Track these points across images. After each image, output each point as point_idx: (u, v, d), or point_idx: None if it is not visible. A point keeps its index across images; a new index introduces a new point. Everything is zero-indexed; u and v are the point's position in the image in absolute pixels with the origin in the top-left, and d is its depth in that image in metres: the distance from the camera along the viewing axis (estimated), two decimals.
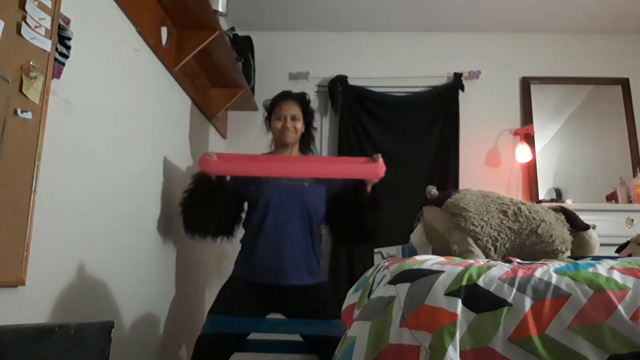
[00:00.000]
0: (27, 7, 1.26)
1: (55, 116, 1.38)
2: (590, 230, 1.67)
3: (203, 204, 2.04)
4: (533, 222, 1.53)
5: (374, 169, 2.05)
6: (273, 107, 2.26)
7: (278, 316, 2.10)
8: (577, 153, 3.34)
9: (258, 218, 2.09)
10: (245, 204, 2.21)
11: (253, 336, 2.05)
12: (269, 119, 2.29)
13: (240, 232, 2.21)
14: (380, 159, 2.07)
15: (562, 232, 1.58)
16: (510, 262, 1.22)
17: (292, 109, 2.21)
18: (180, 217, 2.12)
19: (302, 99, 2.27)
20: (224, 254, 2.88)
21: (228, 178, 2.17)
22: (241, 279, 2.07)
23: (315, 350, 2.01)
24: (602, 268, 1.07)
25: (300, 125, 2.22)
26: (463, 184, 3.14)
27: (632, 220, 2.89)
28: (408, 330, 1.00)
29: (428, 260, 1.17)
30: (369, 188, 2.09)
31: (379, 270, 1.20)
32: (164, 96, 2.30)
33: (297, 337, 2.07)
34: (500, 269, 1.10)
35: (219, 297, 2.06)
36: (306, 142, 2.31)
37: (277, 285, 1.99)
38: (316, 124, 3.34)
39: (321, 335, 1.95)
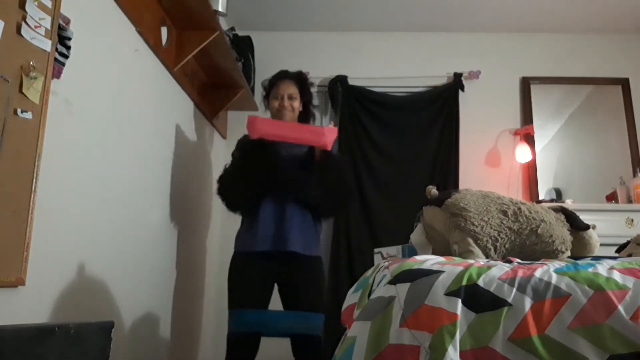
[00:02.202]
0: (27, 7, 1.26)
1: (55, 116, 1.38)
2: (590, 230, 1.67)
3: (254, 171, 2.04)
4: (533, 222, 1.53)
5: (319, 135, 2.05)
6: (271, 87, 2.28)
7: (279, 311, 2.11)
8: (577, 153, 3.33)
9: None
10: None
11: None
12: (267, 98, 2.30)
13: None
14: (330, 127, 2.09)
15: (562, 232, 1.58)
16: (510, 262, 1.22)
17: (289, 88, 2.23)
18: (226, 191, 2.10)
19: (299, 78, 2.28)
20: (224, 253, 2.88)
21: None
22: (243, 252, 2.08)
23: (297, 347, 2.03)
24: (602, 268, 1.07)
25: (297, 104, 2.24)
26: (463, 184, 3.14)
27: (632, 220, 2.89)
28: (408, 330, 1.00)
29: (428, 260, 1.17)
30: (317, 154, 2.09)
31: (379, 270, 1.20)
32: (164, 96, 2.30)
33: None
34: (500, 269, 1.10)
35: (232, 287, 2.08)
36: (305, 120, 2.32)
37: (278, 252, 2.01)
38: (316, 124, 3.37)
39: (306, 334, 2.00)
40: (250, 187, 2.05)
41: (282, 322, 2.04)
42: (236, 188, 2.09)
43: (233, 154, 2.19)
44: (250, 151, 2.08)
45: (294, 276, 2.06)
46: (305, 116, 2.31)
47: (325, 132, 2.06)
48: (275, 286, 2.13)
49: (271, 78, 2.30)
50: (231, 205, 2.13)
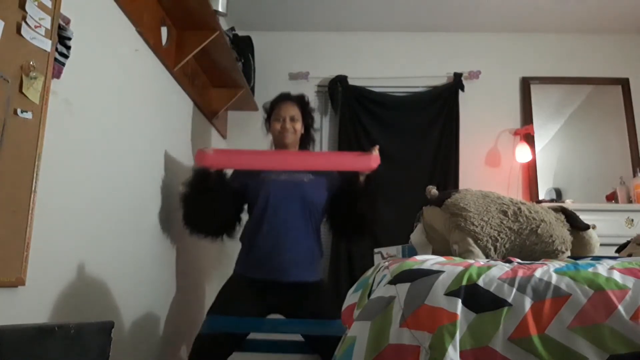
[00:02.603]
0: (27, 7, 1.26)
1: (55, 116, 1.38)
2: (590, 230, 1.67)
3: (202, 200, 2.03)
4: (533, 222, 1.53)
5: (366, 160, 2.06)
6: (272, 109, 2.27)
7: (278, 316, 2.10)
8: (577, 153, 3.34)
9: (258, 214, 2.08)
10: (245, 205, 2.21)
11: (253, 336, 2.05)
12: (268, 121, 2.30)
13: (239, 231, 2.20)
14: (375, 151, 2.08)
15: (562, 232, 1.58)
16: (510, 262, 1.22)
17: (291, 110, 2.23)
18: (180, 213, 2.11)
19: (301, 101, 2.28)
20: (224, 252, 2.88)
21: (227, 175, 2.16)
22: (242, 276, 2.06)
23: (316, 350, 2.01)
24: (602, 268, 1.07)
25: (299, 126, 2.23)
26: (463, 184, 3.14)
27: (632, 220, 2.89)
28: (408, 330, 1.00)
29: (428, 260, 1.17)
30: (362, 179, 2.09)
31: (379, 270, 1.20)
32: (164, 96, 2.30)
33: (297, 337, 2.07)
34: (500, 269, 1.10)
35: (219, 297, 2.06)
36: (305, 143, 2.31)
37: (278, 282, 1.99)
38: (316, 124, 3.37)
39: (321, 335, 1.94)
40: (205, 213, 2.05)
41: (292, 325, 2.01)
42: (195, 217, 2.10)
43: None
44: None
45: (297, 305, 2.01)
46: (306, 140, 2.31)
47: (374, 158, 2.07)
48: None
49: (272, 100, 2.30)
50: (193, 232, 2.13)
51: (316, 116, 3.34)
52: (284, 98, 2.27)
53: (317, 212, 2.14)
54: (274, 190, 2.09)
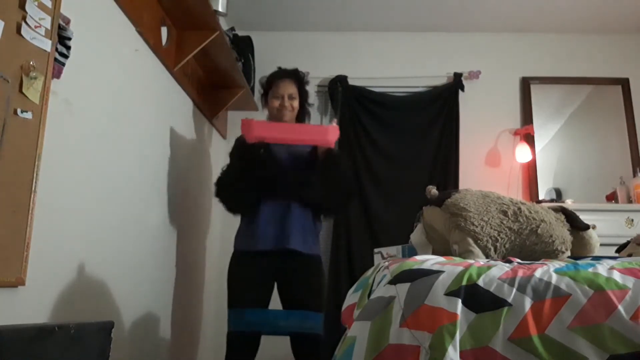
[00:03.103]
0: (27, 7, 1.26)
1: (55, 116, 1.38)
2: (590, 230, 1.67)
3: (252, 174, 2.04)
4: (533, 222, 1.53)
5: (323, 134, 2.07)
6: (270, 85, 2.27)
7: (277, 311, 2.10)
8: (577, 153, 3.33)
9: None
10: None
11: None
12: (265, 97, 2.30)
13: None
14: (334, 124, 2.10)
15: (562, 232, 1.58)
16: (510, 262, 1.22)
17: (289, 88, 2.24)
18: (221, 189, 2.10)
19: (297, 77, 2.29)
20: (223, 252, 2.88)
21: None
22: (243, 251, 2.08)
23: (297, 346, 2.03)
24: (602, 268, 1.07)
25: (296, 103, 2.25)
26: (463, 184, 3.14)
27: (632, 220, 2.89)
28: (408, 330, 1.00)
29: (428, 260, 1.17)
30: (320, 152, 2.10)
31: (379, 270, 1.20)
32: (164, 96, 2.30)
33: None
34: (500, 269, 1.10)
35: (231, 286, 2.08)
36: (301, 119, 2.32)
37: (278, 250, 2.01)
38: (316, 124, 3.37)
39: (306, 333, 2.00)
40: (249, 190, 2.05)
41: (281, 321, 2.04)
42: (235, 191, 2.09)
43: (231, 155, 2.19)
44: (248, 154, 2.07)
45: (293, 274, 2.06)
46: (301, 114, 2.31)
47: (328, 131, 2.07)
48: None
49: (269, 76, 2.30)
50: (231, 208, 2.13)
51: (316, 116, 3.37)
52: (281, 75, 2.27)
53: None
54: (277, 161, 2.10)
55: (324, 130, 2.08)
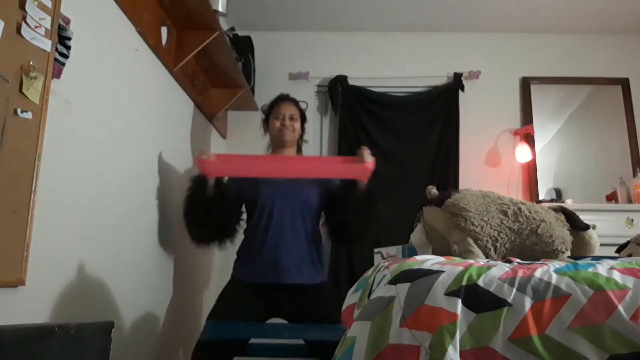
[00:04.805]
0: (27, 7, 1.26)
1: (55, 116, 1.38)
2: (590, 230, 1.67)
3: (204, 210, 2.01)
4: (533, 222, 1.53)
5: (362, 170, 2.01)
6: (271, 108, 2.29)
7: (279, 321, 2.08)
8: (577, 153, 3.34)
9: (257, 219, 2.08)
10: (243, 207, 2.20)
11: (254, 340, 2.03)
12: (266, 121, 2.31)
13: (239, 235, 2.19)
14: (368, 156, 2.01)
15: (562, 232, 1.58)
16: (510, 262, 1.22)
17: (290, 109, 2.25)
18: (184, 226, 2.08)
19: (298, 103, 2.32)
20: (222, 253, 2.88)
21: (225, 179, 2.15)
22: (241, 281, 2.05)
23: (316, 354, 1.99)
24: (602, 268, 1.07)
25: (298, 125, 2.25)
26: (463, 184, 3.14)
27: (632, 220, 2.89)
28: (408, 330, 1.00)
29: (428, 260, 1.17)
30: (361, 187, 2.06)
31: (379, 270, 1.20)
32: (164, 96, 2.30)
33: (298, 341, 2.05)
34: (500, 269, 1.10)
35: (219, 302, 2.03)
36: (300, 144, 2.34)
37: (278, 285, 1.98)
38: (316, 124, 3.38)
39: (322, 340, 1.91)
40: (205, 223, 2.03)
41: (293, 330, 1.99)
42: (194, 224, 2.06)
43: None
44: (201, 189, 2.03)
45: (298, 309, 1.99)
46: (301, 139, 2.33)
47: (369, 167, 2.01)
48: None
49: (271, 101, 2.32)
50: (195, 241, 2.09)
51: (316, 116, 3.38)
52: (282, 98, 2.29)
53: (315, 213, 2.13)
54: (271, 193, 2.08)
55: (366, 167, 2.00)
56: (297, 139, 2.29)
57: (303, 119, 2.30)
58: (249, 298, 2.00)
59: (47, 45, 1.32)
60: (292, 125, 2.22)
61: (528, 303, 1.00)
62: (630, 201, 3.09)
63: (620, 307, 0.97)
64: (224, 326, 1.92)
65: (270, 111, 2.28)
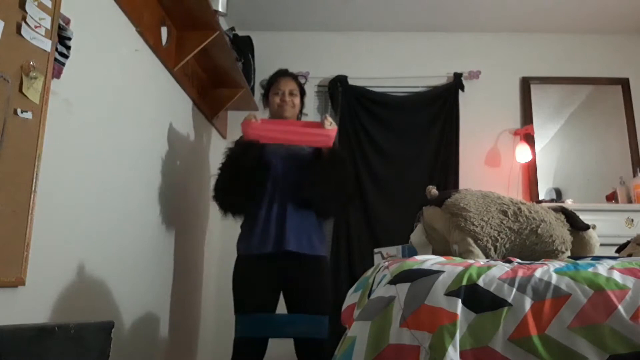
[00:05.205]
0: (27, 7, 1.26)
1: (55, 116, 1.38)
2: (590, 230, 1.67)
3: (246, 172, 2.02)
4: (533, 222, 1.53)
5: (324, 138, 2.05)
6: (270, 84, 2.29)
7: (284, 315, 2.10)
8: (577, 153, 3.33)
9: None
10: None
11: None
12: (266, 96, 2.31)
13: None
14: (327, 121, 2.06)
15: (562, 232, 1.58)
16: (510, 262, 1.22)
17: (290, 85, 2.26)
18: (219, 191, 2.07)
19: (297, 77, 2.32)
20: (223, 252, 2.88)
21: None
22: (247, 256, 2.05)
23: (301, 351, 2.02)
24: (602, 268, 1.07)
25: (297, 100, 2.26)
26: (463, 184, 3.14)
27: (632, 220, 2.89)
28: (408, 330, 1.00)
29: (428, 260, 1.17)
30: (325, 152, 2.09)
31: (379, 270, 1.20)
32: (164, 96, 2.30)
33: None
34: (500, 269, 1.10)
35: (237, 291, 2.05)
36: (301, 117, 2.36)
37: (280, 252, 1.99)
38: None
39: (310, 338, 1.98)
40: (240, 191, 2.03)
41: (287, 326, 2.01)
42: (226, 192, 2.06)
43: (226, 154, 2.15)
44: (242, 152, 2.06)
45: (296, 277, 2.03)
46: (301, 113, 2.35)
47: (329, 133, 2.05)
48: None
49: (270, 76, 2.32)
50: (224, 210, 2.09)
51: (316, 116, 3.37)
52: (282, 74, 2.29)
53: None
54: (274, 164, 2.09)
55: (326, 133, 2.05)
56: (297, 114, 2.30)
57: (302, 93, 2.31)
58: (261, 275, 2.02)
59: (47, 45, 1.32)
60: (292, 100, 2.23)
61: (528, 303, 1.00)
62: (630, 201, 3.09)
63: (620, 307, 0.97)
64: (254, 320, 1.98)
65: (270, 87, 2.28)
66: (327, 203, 2.10)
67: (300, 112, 2.34)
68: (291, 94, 2.23)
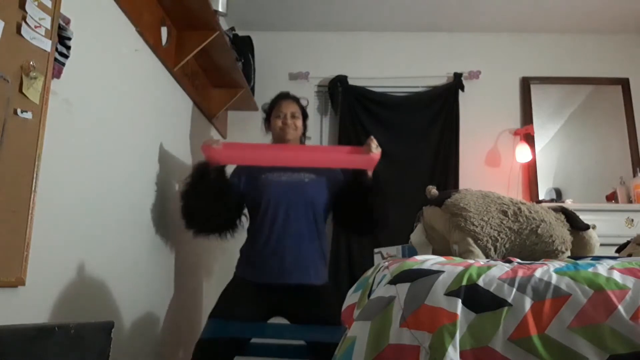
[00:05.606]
0: (27, 7, 1.26)
1: (55, 116, 1.38)
2: (590, 230, 1.67)
3: (202, 196, 2.01)
4: (533, 222, 1.53)
5: (369, 159, 2.04)
6: (272, 107, 2.28)
7: (281, 321, 2.08)
8: (577, 153, 3.34)
9: (259, 217, 2.07)
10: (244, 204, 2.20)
11: (255, 340, 2.02)
12: (268, 120, 2.30)
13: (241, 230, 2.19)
14: (374, 146, 2.04)
15: (562, 232, 1.58)
16: (510, 262, 1.22)
17: (291, 107, 2.24)
18: (179, 212, 2.07)
19: (298, 100, 2.31)
20: (224, 251, 2.88)
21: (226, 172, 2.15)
22: (244, 279, 2.04)
23: (317, 356, 1.98)
24: (602, 268, 1.07)
25: (299, 123, 2.24)
26: (463, 184, 3.14)
27: (632, 220, 2.89)
28: (408, 330, 1.00)
29: (428, 260, 1.17)
30: (369, 174, 2.07)
31: (379, 270, 1.20)
32: (164, 96, 2.30)
33: (299, 341, 2.04)
34: (500, 269, 1.10)
35: (221, 300, 2.02)
36: (303, 141, 2.33)
37: (281, 285, 1.97)
38: (316, 124, 3.38)
39: (323, 341, 1.90)
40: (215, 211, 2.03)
41: (290, 333, 1.98)
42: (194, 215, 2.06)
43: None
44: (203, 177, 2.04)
45: (301, 309, 1.98)
46: (304, 137, 2.33)
47: (373, 157, 2.04)
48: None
49: (272, 100, 2.31)
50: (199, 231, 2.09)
51: (316, 116, 3.38)
52: (283, 96, 2.29)
53: (320, 213, 2.12)
54: (275, 192, 2.07)
55: (369, 157, 2.03)
56: (300, 137, 2.28)
57: (305, 116, 2.29)
58: (251, 297, 1.98)
59: (47, 45, 1.32)
60: (294, 123, 2.21)
61: (528, 303, 1.00)
62: (630, 201, 3.09)
63: (620, 307, 0.97)
64: (226, 325, 1.91)
65: (271, 110, 2.27)
66: (384, 220, 2.12)
67: (304, 135, 2.31)
68: (293, 116, 2.21)
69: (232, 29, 3.08)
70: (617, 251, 1.83)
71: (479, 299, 1.03)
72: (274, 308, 2.03)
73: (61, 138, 1.45)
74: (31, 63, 1.27)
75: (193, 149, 2.70)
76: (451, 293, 1.03)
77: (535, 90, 3.39)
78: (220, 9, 2.68)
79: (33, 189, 1.28)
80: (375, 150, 2.03)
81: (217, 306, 2.01)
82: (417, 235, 1.77)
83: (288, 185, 2.09)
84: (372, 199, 2.05)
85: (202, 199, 2.01)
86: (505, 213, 1.54)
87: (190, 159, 2.66)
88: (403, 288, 1.07)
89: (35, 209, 1.29)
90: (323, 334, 1.90)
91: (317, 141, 3.38)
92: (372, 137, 2.08)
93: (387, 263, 1.20)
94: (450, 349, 0.96)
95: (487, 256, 1.48)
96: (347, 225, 2.20)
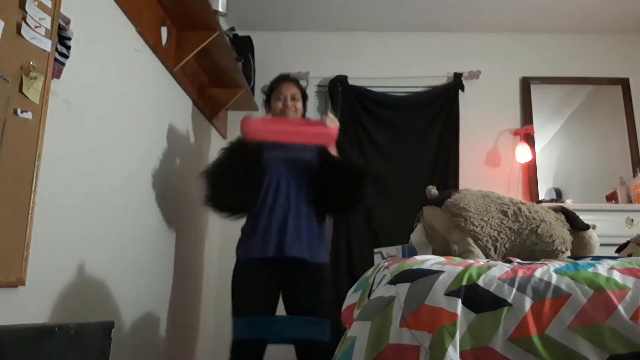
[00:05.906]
0: (27, 7, 1.26)
1: (55, 116, 1.38)
2: (590, 230, 1.67)
3: (239, 171, 2.00)
4: (533, 222, 1.53)
5: (327, 136, 2.02)
6: (272, 89, 2.27)
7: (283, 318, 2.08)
8: (577, 153, 3.33)
9: (264, 193, 2.06)
10: None
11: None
12: (268, 102, 2.29)
13: None
14: (329, 120, 2.03)
15: (562, 232, 1.58)
16: (510, 262, 1.22)
17: (292, 89, 2.23)
18: (206, 187, 2.03)
19: (298, 82, 2.31)
20: (224, 251, 2.88)
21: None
22: (246, 260, 2.03)
23: (302, 354, 2.00)
24: (602, 268, 1.07)
25: (300, 105, 2.23)
26: (463, 184, 3.14)
27: (632, 220, 2.89)
28: (408, 330, 1.00)
29: (428, 260, 1.17)
30: (332, 151, 2.06)
31: (379, 270, 1.20)
32: (164, 96, 2.30)
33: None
34: (500, 269, 1.10)
35: (235, 294, 2.03)
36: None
37: (281, 258, 1.96)
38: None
39: (311, 339, 1.95)
40: (235, 189, 2.01)
41: (286, 328, 1.99)
42: (222, 191, 2.03)
43: (225, 151, 2.12)
44: (238, 151, 2.04)
45: (296, 284, 2.00)
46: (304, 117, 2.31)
47: (331, 132, 2.01)
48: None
49: (271, 82, 2.30)
50: (220, 209, 2.06)
51: (316, 116, 3.37)
52: (283, 78, 2.28)
53: (315, 176, 2.09)
54: (276, 169, 2.07)
55: (328, 132, 2.01)
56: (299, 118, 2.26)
57: (304, 97, 2.29)
58: (258, 280, 1.99)
59: (47, 45, 1.32)
60: (294, 105, 2.20)
61: (528, 303, 1.00)
62: (630, 201, 3.09)
63: (620, 307, 0.97)
64: (253, 322, 1.95)
65: (271, 92, 2.26)
66: (344, 214, 2.09)
67: (303, 116, 2.30)
68: (293, 98, 2.21)
69: (232, 29, 3.08)
70: (617, 251, 1.84)
71: (479, 299, 1.03)
72: (279, 281, 2.03)
73: (61, 138, 1.45)
74: (31, 63, 1.27)
75: (193, 149, 2.70)
76: (451, 293, 1.03)
77: (535, 90, 3.39)
78: (220, 9, 2.68)
79: (33, 189, 1.28)
80: (330, 123, 2.02)
81: (236, 302, 2.02)
82: (417, 235, 1.77)
83: (287, 160, 2.09)
84: (342, 177, 2.02)
85: (235, 173, 2.00)
86: (505, 213, 1.54)
87: (190, 159, 2.66)
88: (403, 288, 1.07)
89: (35, 209, 1.29)
90: (310, 330, 1.94)
91: None
92: (328, 112, 2.08)
93: (387, 263, 1.20)
94: (450, 349, 0.96)
95: (487, 256, 1.48)
96: (321, 204, 2.12)
